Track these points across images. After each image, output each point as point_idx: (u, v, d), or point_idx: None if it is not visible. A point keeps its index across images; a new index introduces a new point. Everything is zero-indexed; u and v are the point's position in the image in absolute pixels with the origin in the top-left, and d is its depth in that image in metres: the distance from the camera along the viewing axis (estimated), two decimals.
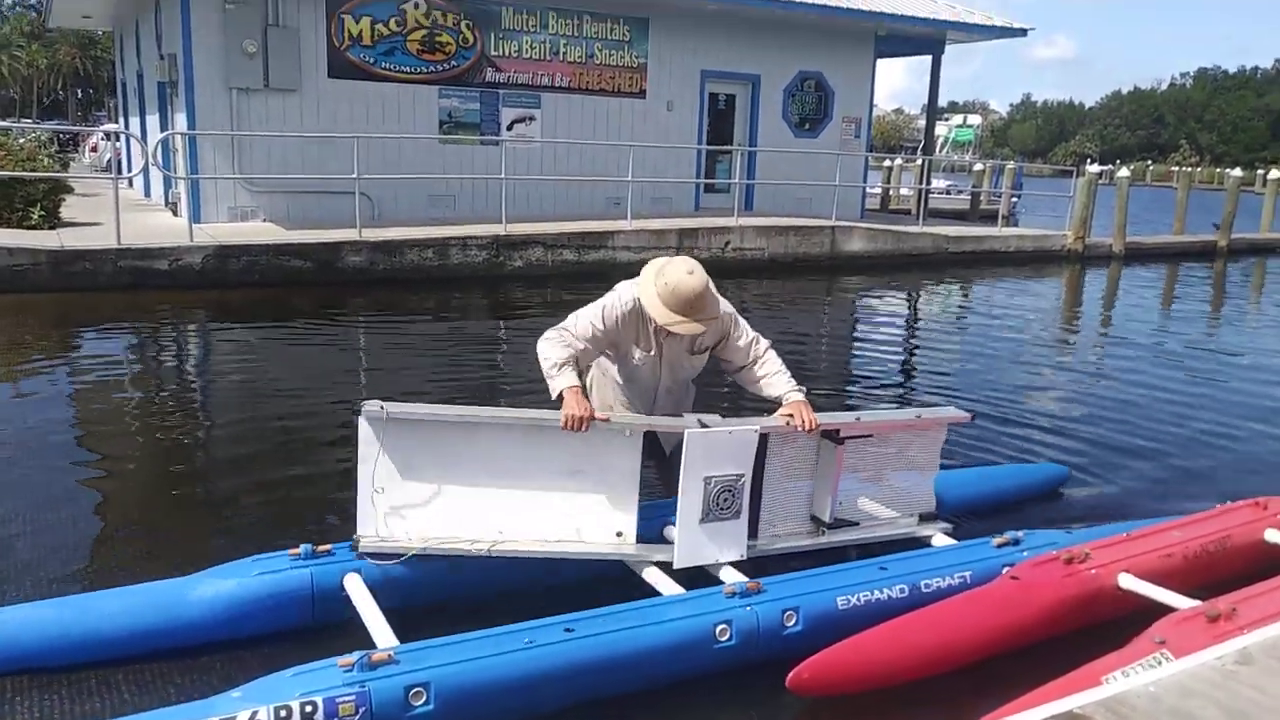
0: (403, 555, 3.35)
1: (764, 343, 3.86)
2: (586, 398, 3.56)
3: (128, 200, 14.12)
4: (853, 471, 3.88)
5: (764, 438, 3.64)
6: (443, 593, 3.47)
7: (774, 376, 3.79)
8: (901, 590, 3.46)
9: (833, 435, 3.78)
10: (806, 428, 3.64)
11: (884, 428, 3.96)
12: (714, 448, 3.49)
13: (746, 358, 3.81)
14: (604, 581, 3.62)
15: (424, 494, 3.43)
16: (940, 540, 4.03)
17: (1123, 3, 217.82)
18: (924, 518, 4.10)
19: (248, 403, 6.56)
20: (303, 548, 3.35)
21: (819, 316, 11.69)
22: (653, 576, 3.51)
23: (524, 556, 3.48)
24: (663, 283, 3.47)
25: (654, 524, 3.74)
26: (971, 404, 6.88)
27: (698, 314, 3.48)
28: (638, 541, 3.61)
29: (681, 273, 3.45)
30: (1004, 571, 3.58)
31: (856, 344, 10.05)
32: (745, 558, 3.63)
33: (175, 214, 13.63)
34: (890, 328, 11.03)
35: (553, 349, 3.52)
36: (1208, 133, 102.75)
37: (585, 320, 3.62)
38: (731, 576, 3.49)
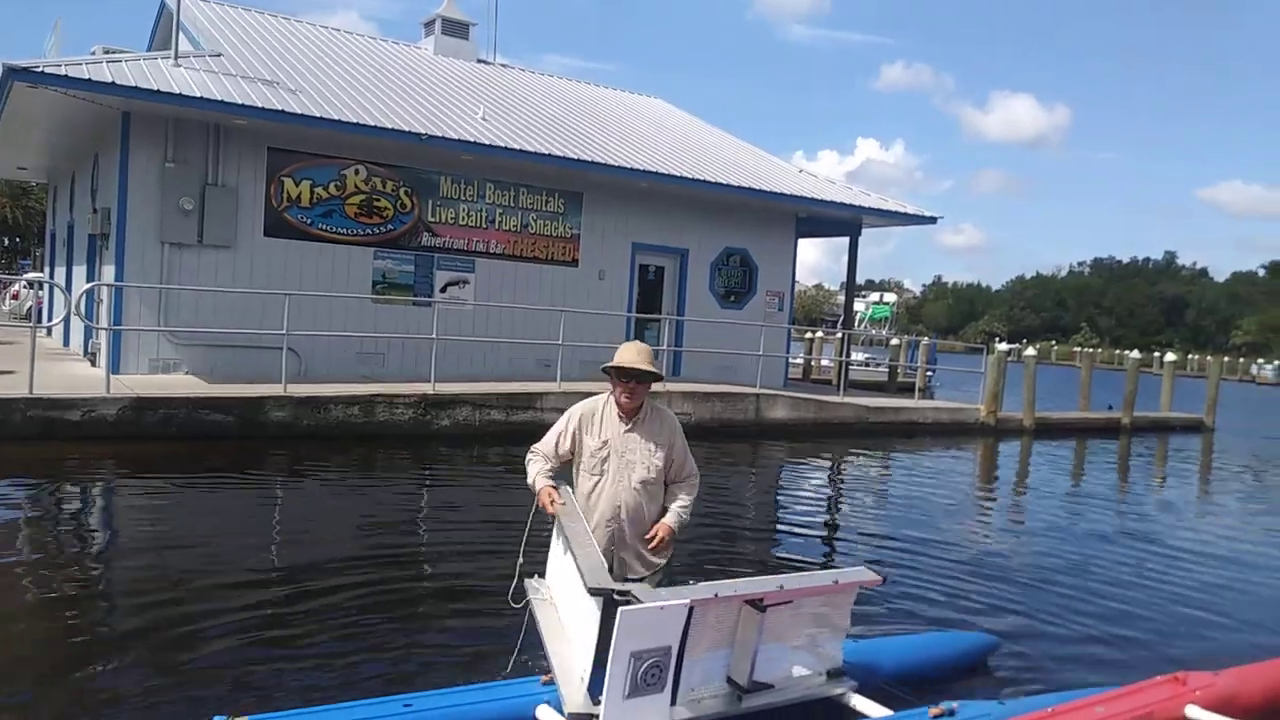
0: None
1: (697, 476, 4.47)
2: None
3: (45, 349, 13.81)
4: (771, 636, 3.89)
5: (690, 609, 3.61)
6: None
7: (678, 499, 4.37)
8: None
9: (756, 603, 3.78)
10: (655, 541, 4.21)
11: (805, 593, 3.98)
12: (645, 624, 3.45)
13: (679, 472, 4.40)
14: None
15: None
16: (856, 700, 4.06)
17: (1024, 197, 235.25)
18: (831, 675, 4.15)
19: (153, 562, 6.22)
20: None
21: (745, 480, 11.78)
22: None
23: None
24: (617, 352, 4.37)
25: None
26: (897, 571, 6.94)
27: (644, 360, 4.27)
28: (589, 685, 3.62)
29: (631, 341, 4.49)
30: None
31: (781, 509, 10.12)
32: None
33: (94, 364, 13.33)
34: (814, 493, 11.15)
35: (529, 467, 4.36)
36: (1106, 316, 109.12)
37: (550, 433, 4.41)
38: None
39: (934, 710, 3.82)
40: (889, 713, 3.93)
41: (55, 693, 4.05)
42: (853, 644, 4.59)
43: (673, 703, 3.65)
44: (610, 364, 4.31)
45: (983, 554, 8.12)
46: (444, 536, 7.74)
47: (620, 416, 4.34)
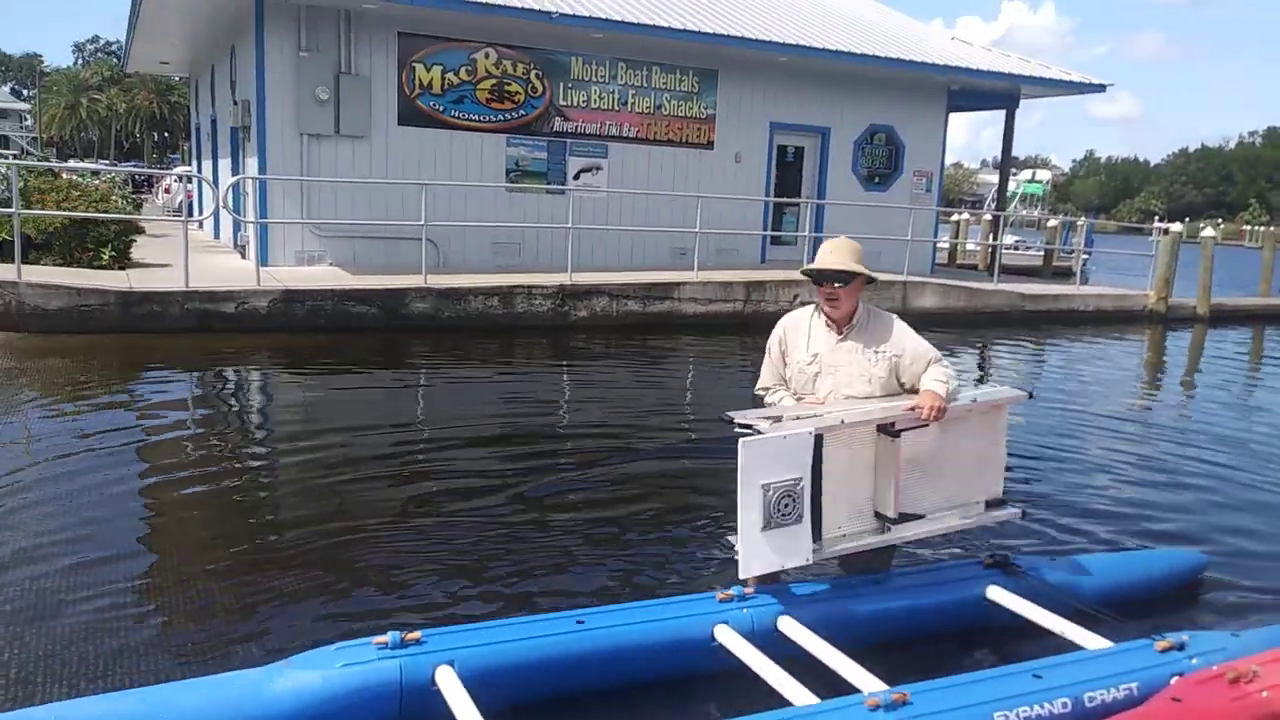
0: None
1: (941, 357, 3.86)
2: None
3: (197, 242, 14.23)
4: (913, 464, 3.74)
5: (819, 439, 3.53)
6: (542, 687, 3.20)
7: (935, 374, 3.77)
8: (1064, 705, 3.02)
9: (888, 429, 3.66)
10: (925, 416, 3.63)
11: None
12: (769, 454, 3.40)
13: (915, 376, 3.83)
14: (704, 680, 3.35)
15: None
16: (1069, 630, 3.64)
17: (1188, 61, 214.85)
18: (990, 504, 3.99)
19: (315, 460, 6.13)
20: (390, 635, 3.03)
21: None
22: (777, 679, 3.13)
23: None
24: (818, 253, 3.85)
25: None
26: (1075, 477, 6.41)
27: (843, 258, 3.75)
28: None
29: (832, 239, 3.93)
30: (1166, 688, 3.12)
31: None
32: (810, 561, 3.56)
33: (243, 257, 13.67)
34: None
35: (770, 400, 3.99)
36: (1279, 191, 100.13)
37: (766, 365, 4.01)
38: (870, 684, 3.06)
39: (1161, 644, 3.37)
40: (1108, 644, 3.47)
41: (225, 595, 4.03)
42: (1048, 562, 4.23)
43: (817, 538, 3.58)
44: (809, 266, 3.79)
45: (1168, 458, 7.40)
46: (601, 441, 7.21)
47: (830, 326, 3.84)
